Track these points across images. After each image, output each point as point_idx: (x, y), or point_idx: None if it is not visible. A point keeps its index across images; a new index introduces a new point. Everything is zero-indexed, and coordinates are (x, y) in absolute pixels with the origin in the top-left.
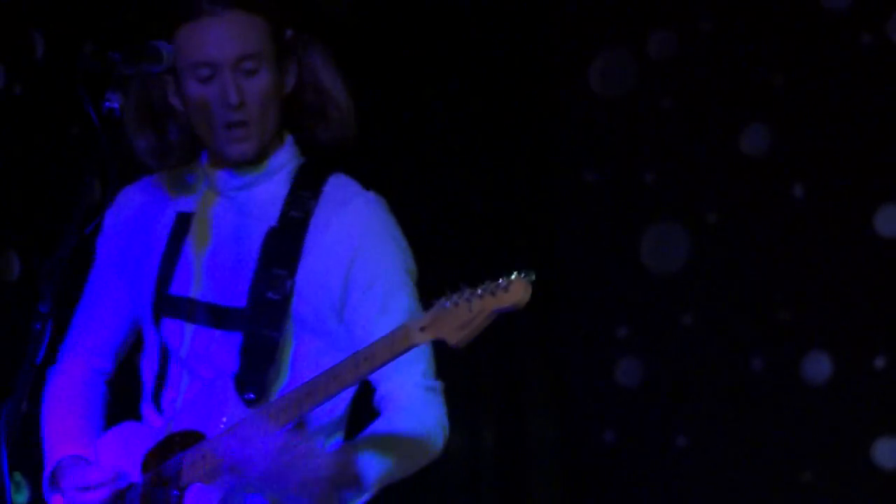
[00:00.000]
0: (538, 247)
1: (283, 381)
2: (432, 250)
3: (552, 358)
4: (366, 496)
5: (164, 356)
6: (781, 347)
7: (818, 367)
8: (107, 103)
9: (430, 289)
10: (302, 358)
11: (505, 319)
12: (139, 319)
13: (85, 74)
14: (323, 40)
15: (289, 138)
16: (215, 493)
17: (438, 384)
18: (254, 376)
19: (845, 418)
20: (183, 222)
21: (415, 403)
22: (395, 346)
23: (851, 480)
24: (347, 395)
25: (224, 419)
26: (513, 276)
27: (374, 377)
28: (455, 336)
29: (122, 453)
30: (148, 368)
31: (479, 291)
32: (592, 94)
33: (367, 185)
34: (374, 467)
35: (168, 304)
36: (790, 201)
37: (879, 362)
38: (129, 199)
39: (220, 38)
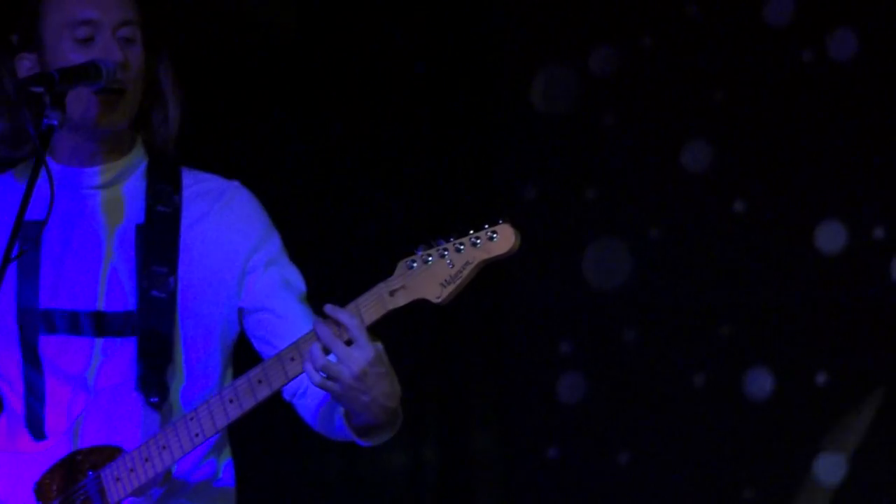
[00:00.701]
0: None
1: (182, 379)
2: (371, 262)
3: (494, 373)
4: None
5: (35, 377)
6: (723, 363)
7: (760, 382)
8: (45, 120)
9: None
10: (194, 354)
11: (445, 334)
12: None
13: (25, 94)
14: (172, 51)
15: (138, 138)
16: None
17: None
18: (155, 378)
19: (787, 434)
20: (32, 230)
21: None
22: (368, 312)
23: (793, 496)
24: None
25: (140, 430)
26: (499, 224)
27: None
28: (437, 293)
29: None
30: (11, 389)
31: (460, 245)
32: (534, 110)
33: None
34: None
35: (42, 320)
36: (731, 217)
37: (821, 378)
38: None
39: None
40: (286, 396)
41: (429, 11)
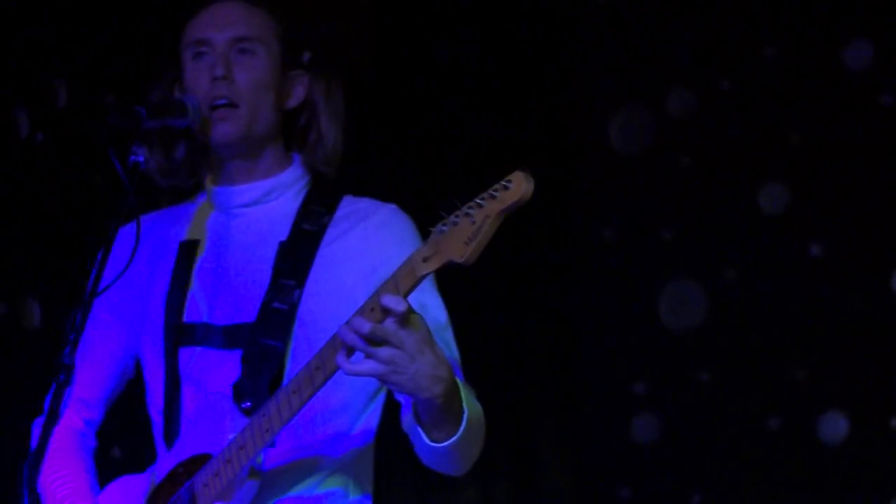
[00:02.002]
0: (556, 302)
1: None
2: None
3: (567, 412)
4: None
5: (175, 390)
6: (798, 407)
7: (834, 427)
8: (132, 157)
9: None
10: (298, 369)
11: (519, 372)
12: (137, 360)
13: (111, 130)
14: (337, 75)
15: (296, 157)
16: None
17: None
18: (253, 386)
19: (862, 479)
20: (187, 250)
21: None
22: (403, 282)
23: None
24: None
25: (230, 435)
26: (512, 174)
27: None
28: (461, 252)
29: None
30: (154, 406)
31: (478, 200)
32: (611, 150)
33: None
34: (472, 411)
35: (183, 334)
36: (807, 260)
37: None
38: (128, 241)
39: (218, 19)
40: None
41: (508, 51)
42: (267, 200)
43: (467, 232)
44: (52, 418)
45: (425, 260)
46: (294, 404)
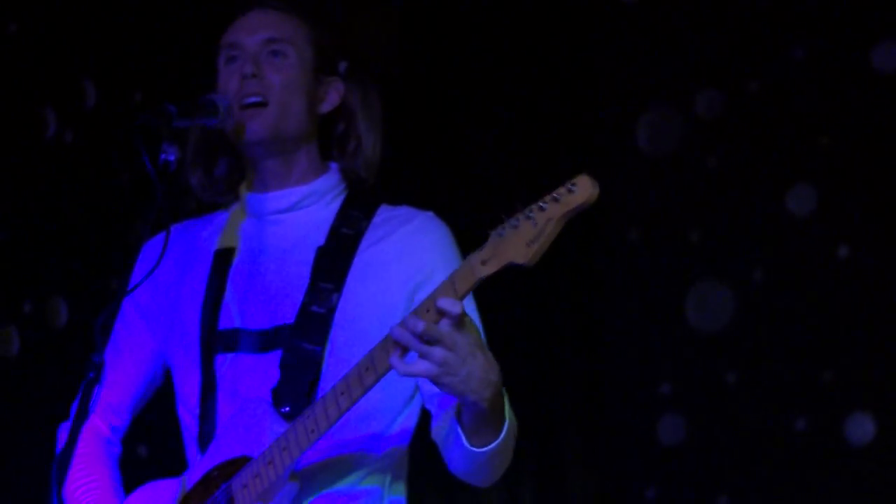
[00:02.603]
0: (583, 303)
1: (317, 395)
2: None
3: (594, 413)
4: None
5: (210, 395)
6: (825, 408)
7: (862, 428)
8: (163, 155)
9: None
10: (335, 372)
11: (545, 373)
12: (166, 368)
13: (142, 128)
14: (375, 82)
15: (333, 165)
16: None
17: None
18: (292, 389)
19: (889, 480)
20: (223, 258)
21: None
22: (461, 284)
23: None
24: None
25: (270, 438)
26: (577, 177)
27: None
28: (524, 254)
29: None
30: (188, 412)
31: (541, 204)
32: (639, 151)
33: None
34: (512, 421)
35: (219, 341)
36: (835, 262)
37: None
38: (155, 250)
39: (251, 24)
40: (434, 437)
41: (534, 52)
42: (301, 207)
43: (529, 234)
44: (82, 417)
45: (484, 262)
46: (342, 405)
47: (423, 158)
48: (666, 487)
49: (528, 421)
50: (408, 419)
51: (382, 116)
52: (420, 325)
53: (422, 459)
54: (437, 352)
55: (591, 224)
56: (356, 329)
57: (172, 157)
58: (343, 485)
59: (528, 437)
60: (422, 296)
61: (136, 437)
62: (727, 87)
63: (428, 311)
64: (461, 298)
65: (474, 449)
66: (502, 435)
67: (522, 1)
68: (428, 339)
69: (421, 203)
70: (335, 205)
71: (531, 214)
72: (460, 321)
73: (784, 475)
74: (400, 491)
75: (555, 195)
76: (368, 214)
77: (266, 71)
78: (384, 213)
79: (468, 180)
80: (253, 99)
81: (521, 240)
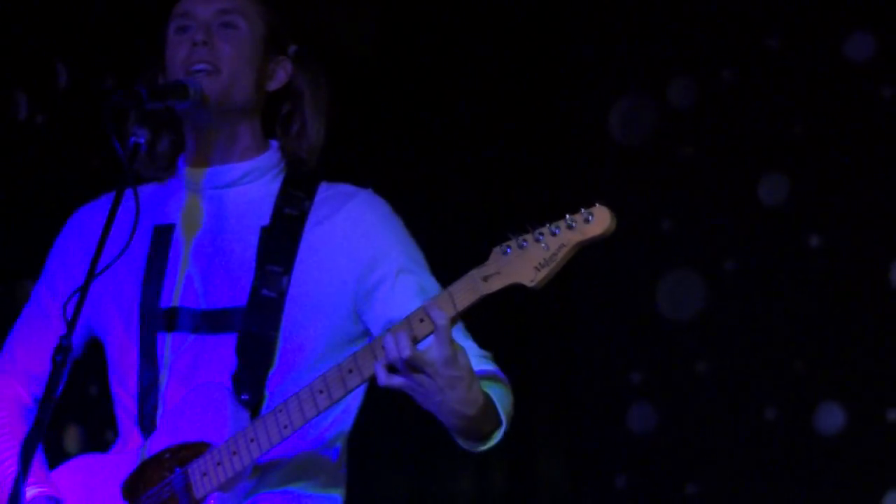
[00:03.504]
0: (554, 291)
1: (280, 379)
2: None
3: (564, 401)
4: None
5: (151, 374)
6: (794, 397)
7: (831, 417)
8: (132, 138)
9: None
10: (296, 355)
11: (516, 361)
12: (91, 341)
13: (111, 110)
14: (323, 68)
15: (273, 143)
16: (235, 500)
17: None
18: (249, 376)
19: (857, 470)
20: (162, 234)
21: (493, 368)
22: (461, 299)
23: None
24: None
25: (232, 426)
26: (594, 206)
27: None
28: (531, 277)
29: (86, 488)
30: (124, 390)
31: (553, 228)
32: (612, 140)
33: None
34: (505, 404)
35: (162, 318)
36: (806, 251)
37: (892, 414)
38: (85, 219)
39: None
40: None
41: (506, 41)
42: (242, 183)
43: (539, 257)
44: (49, 397)
45: (486, 279)
46: (321, 404)
47: (392, 148)
48: (636, 475)
49: None
50: (342, 421)
51: (343, 99)
52: (406, 352)
53: (390, 448)
54: (419, 376)
55: (564, 212)
56: (307, 313)
57: (143, 140)
58: (284, 485)
59: None
60: (378, 272)
61: (103, 420)
62: (700, 76)
63: (422, 320)
64: (461, 313)
65: (469, 445)
66: (496, 439)
67: None
68: (413, 365)
69: (393, 189)
70: (276, 183)
71: (541, 238)
72: (447, 336)
73: (754, 464)
74: (338, 486)
75: (570, 222)
76: (310, 194)
77: (217, 40)
78: (324, 191)
79: (440, 168)
80: (201, 66)
81: (530, 262)
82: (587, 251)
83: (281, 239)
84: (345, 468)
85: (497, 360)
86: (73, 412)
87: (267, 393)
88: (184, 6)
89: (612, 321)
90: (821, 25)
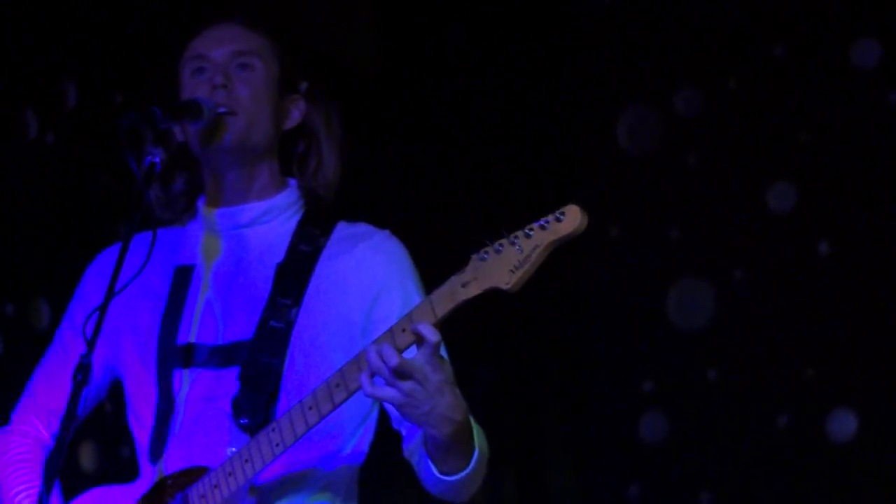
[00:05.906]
0: (564, 300)
1: (282, 409)
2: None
3: (576, 411)
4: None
5: (166, 411)
6: (806, 405)
7: (844, 424)
8: (148, 157)
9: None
10: (300, 384)
11: (527, 370)
12: (114, 382)
13: (127, 130)
14: (336, 99)
15: (291, 182)
16: None
17: None
18: (251, 401)
19: (871, 477)
20: (182, 275)
21: None
22: (440, 306)
23: None
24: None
25: (231, 448)
26: (566, 206)
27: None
28: (507, 279)
29: None
30: (139, 425)
31: (527, 231)
32: (619, 150)
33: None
34: (482, 450)
35: (178, 355)
36: (815, 258)
37: None
38: (107, 262)
39: (219, 37)
40: (406, 457)
41: (514, 50)
42: (261, 222)
43: (514, 260)
44: (70, 417)
45: (464, 285)
46: (310, 420)
47: (400, 161)
48: (648, 485)
49: (511, 418)
50: (361, 440)
51: (346, 136)
52: (393, 360)
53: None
54: (406, 384)
55: None
56: (315, 343)
57: (158, 159)
58: (296, 502)
59: (511, 434)
60: (379, 309)
61: (119, 437)
62: (706, 86)
63: (404, 330)
64: (440, 321)
65: (444, 477)
66: (471, 465)
67: (501, 1)
68: (400, 373)
69: (399, 204)
70: (293, 221)
71: (516, 241)
72: (435, 350)
73: (766, 472)
74: None
75: (542, 223)
76: (327, 231)
77: (235, 83)
78: (342, 229)
79: (448, 179)
80: (223, 109)
81: (505, 265)
82: (602, 263)
83: (293, 273)
84: (355, 486)
85: (508, 369)
86: (89, 429)
87: (268, 419)
88: (198, 49)
89: (622, 330)
90: (826, 33)
